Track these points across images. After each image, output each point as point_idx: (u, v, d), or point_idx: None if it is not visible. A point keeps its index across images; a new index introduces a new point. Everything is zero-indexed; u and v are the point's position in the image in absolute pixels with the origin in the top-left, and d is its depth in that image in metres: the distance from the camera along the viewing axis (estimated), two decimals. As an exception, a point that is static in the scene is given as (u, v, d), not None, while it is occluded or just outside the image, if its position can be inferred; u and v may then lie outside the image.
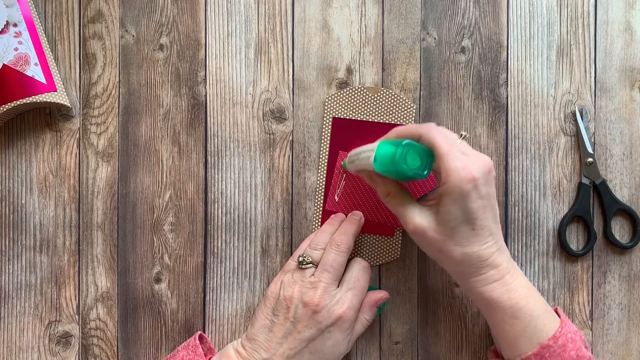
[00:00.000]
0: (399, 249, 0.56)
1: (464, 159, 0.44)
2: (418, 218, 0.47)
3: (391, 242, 0.56)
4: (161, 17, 0.56)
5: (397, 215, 0.49)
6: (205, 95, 0.56)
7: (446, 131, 0.48)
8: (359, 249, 0.56)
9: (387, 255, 0.56)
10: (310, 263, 0.50)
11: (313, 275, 0.50)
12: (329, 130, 0.56)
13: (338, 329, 0.49)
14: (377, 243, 0.56)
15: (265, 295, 0.51)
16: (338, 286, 0.50)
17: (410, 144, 0.45)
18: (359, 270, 0.51)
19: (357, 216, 0.54)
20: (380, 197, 0.50)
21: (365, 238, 0.56)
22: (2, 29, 0.52)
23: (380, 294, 0.53)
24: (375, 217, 0.56)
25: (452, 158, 0.44)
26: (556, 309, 0.51)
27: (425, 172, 0.45)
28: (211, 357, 0.52)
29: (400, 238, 0.56)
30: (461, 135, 0.48)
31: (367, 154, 0.48)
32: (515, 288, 0.46)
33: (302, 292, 0.49)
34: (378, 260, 0.56)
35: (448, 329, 0.56)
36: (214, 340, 0.56)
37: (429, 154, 0.45)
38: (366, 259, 0.56)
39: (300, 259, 0.51)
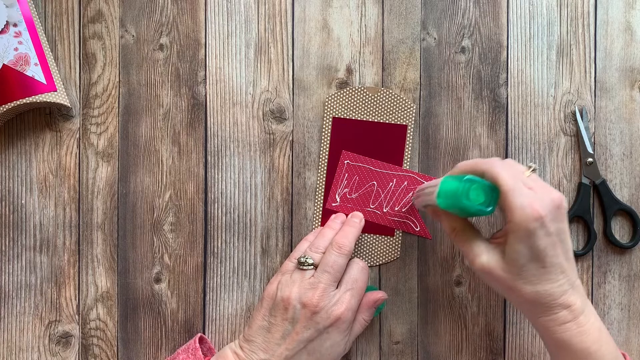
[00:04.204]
0: (399, 249, 0.56)
1: (530, 196, 0.43)
2: (485, 256, 0.45)
3: (391, 242, 0.56)
4: (161, 17, 0.56)
5: (463, 252, 0.47)
6: (205, 95, 0.56)
7: (513, 164, 0.46)
8: (359, 249, 0.56)
9: (387, 256, 0.56)
10: (310, 265, 0.50)
11: (313, 276, 0.50)
12: (329, 130, 0.56)
13: (336, 330, 0.49)
14: (377, 243, 0.56)
15: (262, 296, 0.51)
16: (337, 287, 0.50)
17: (473, 180, 0.44)
18: (357, 271, 0.51)
19: (357, 218, 0.54)
20: (446, 233, 0.49)
21: (365, 238, 0.56)
22: (2, 29, 0.52)
23: (378, 295, 0.53)
24: (375, 217, 0.56)
25: (517, 195, 0.42)
26: (623, 353, 0.49)
27: (490, 209, 0.44)
28: (210, 358, 0.52)
29: (400, 238, 0.56)
30: (529, 167, 0.46)
31: (431, 189, 0.47)
32: (588, 331, 0.44)
33: (300, 292, 0.49)
34: (378, 260, 0.56)
35: (448, 329, 0.56)
36: (213, 340, 0.56)
37: (494, 190, 0.44)
38: (366, 259, 0.56)
39: (302, 259, 0.51)
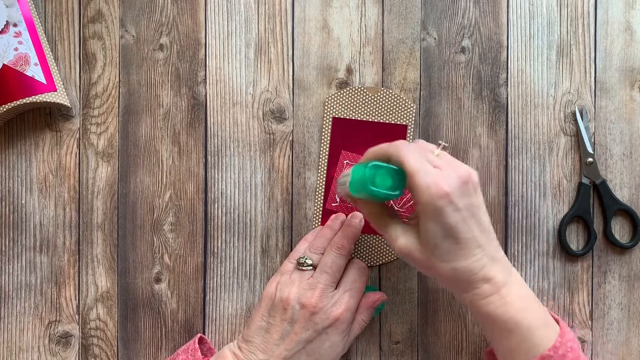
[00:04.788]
0: (398, 249, 0.56)
1: (435, 175, 0.43)
2: (402, 239, 0.46)
3: (391, 242, 0.56)
4: (161, 17, 0.56)
5: (383, 236, 0.48)
6: (205, 95, 0.56)
7: (422, 145, 0.47)
8: (358, 249, 0.56)
9: (386, 256, 0.56)
10: (309, 265, 0.50)
11: (312, 276, 0.50)
12: (329, 130, 0.56)
13: (335, 331, 0.49)
14: (376, 243, 0.56)
15: (261, 297, 0.51)
16: (336, 288, 0.50)
17: (378, 166, 0.44)
18: (356, 272, 0.51)
19: (357, 218, 0.54)
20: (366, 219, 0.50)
21: (365, 238, 0.56)
22: (2, 29, 0.52)
23: (377, 296, 0.53)
24: (375, 217, 0.56)
25: (422, 175, 0.43)
26: (556, 319, 0.48)
27: (397, 192, 0.45)
28: (209, 359, 0.52)
29: (400, 238, 0.56)
30: (439, 144, 0.47)
31: (345, 178, 0.48)
32: (512, 302, 0.44)
33: (299, 293, 0.49)
34: (378, 260, 0.56)
35: (448, 329, 0.56)
36: (213, 340, 0.56)
37: (400, 173, 0.44)
38: (366, 259, 0.56)
39: (301, 260, 0.51)
